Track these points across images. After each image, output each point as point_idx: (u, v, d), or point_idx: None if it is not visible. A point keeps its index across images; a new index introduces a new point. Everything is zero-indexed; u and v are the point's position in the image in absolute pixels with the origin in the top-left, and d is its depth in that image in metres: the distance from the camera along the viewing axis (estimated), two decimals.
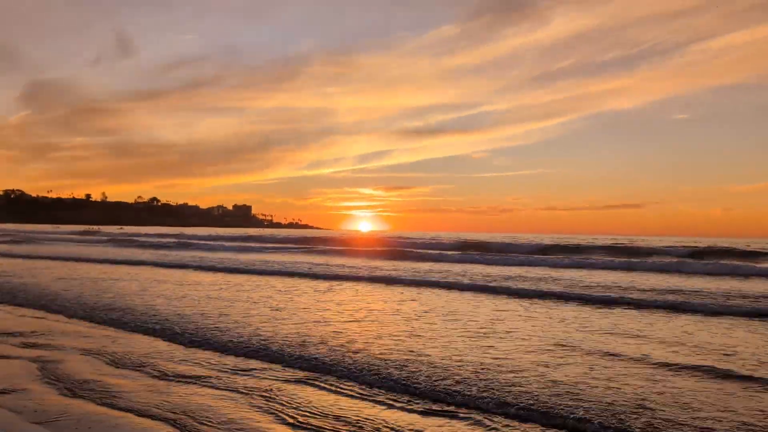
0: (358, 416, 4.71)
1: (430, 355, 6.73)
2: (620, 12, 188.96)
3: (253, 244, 42.79)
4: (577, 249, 35.46)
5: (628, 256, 30.56)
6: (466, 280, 16.16)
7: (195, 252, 33.00)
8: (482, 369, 6.12)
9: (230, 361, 6.56)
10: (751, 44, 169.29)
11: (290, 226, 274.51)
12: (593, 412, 4.77)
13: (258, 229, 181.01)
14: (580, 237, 74.48)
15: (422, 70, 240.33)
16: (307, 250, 35.85)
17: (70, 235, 60.37)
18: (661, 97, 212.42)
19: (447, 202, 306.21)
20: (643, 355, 6.93)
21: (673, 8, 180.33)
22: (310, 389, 5.47)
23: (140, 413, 4.70)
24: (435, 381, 5.64)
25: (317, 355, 6.68)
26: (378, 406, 4.99)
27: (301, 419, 4.64)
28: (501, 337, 7.97)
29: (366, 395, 5.31)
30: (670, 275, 19.53)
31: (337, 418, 4.68)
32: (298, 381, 5.73)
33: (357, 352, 6.83)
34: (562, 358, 6.73)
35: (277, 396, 5.23)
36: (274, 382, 5.70)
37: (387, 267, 21.59)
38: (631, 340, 7.91)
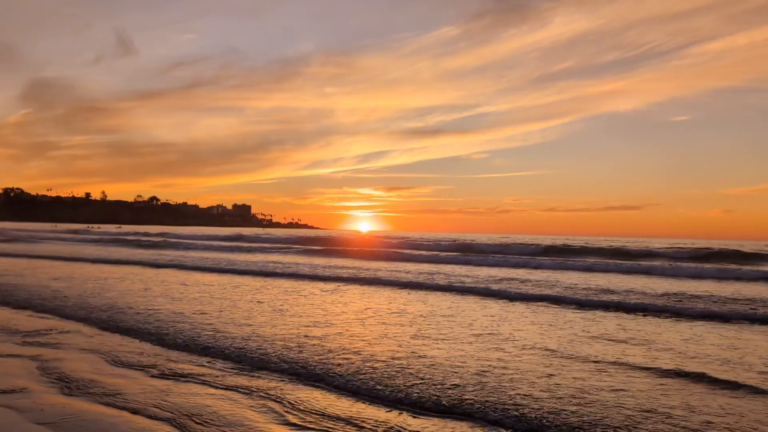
0: (358, 417, 4.70)
1: (432, 357, 6.72)
2: (620, 14, 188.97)
3: (245, 245, 42.52)
4: (576, 251, 35.42)
5: (627, 258, 30.56)
6: (461, 283, 16.14)
7: (194, 252, 32.97)
8: (484, 373, 6.10)
9: (230, 361, 6.53)
10: (751, 47, 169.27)
11: (289, 225, 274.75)
12: (595, 421, 4.76)
13: (254, 228, 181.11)
14: (579, 238, 74.43)
15: (422, 71, 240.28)
16: (300, 251, 35.74)
17: (59, 234, 59.74)
18: (660, 99, 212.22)
19: (447, 203, 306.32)
20: (650, 362, 6.91)
21: (673, 10, 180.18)
22: (309, 390, 5.46)
23: (140, 413, 4.69)
24: (435, 385, 5.62)
25: (317, 357, 6.66)
26: (377, 408, 4.98)
27: (300, 420, 4.62)
28: (503, 340, 7.97)
29: (366, 397, 5.30)
30: (667, 279, 19.51)
31: (337, 418, 4.67)
32: (297, 382, 5.71)
33: (358, 353, 6.82)
34: (564, 365, 6.72)
35: (276, 396, 5.22)
36: (273, 382, 5.68)
37: (386, 268, 21.58)
38: (636, 347, 7.90)
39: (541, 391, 5.39)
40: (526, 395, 5.24)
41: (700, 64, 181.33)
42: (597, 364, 6.51)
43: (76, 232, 67.76)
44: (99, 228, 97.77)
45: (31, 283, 13.90)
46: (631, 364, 6.53)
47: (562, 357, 6.88)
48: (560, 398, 5.17)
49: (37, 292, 12.14)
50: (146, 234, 62.45)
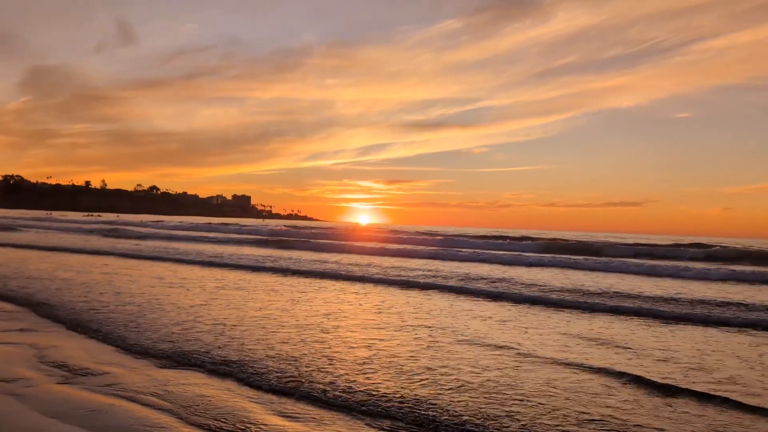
0: (355, 411, 4.79)
1: (421, 365, 6.79)
2: (623, 10, 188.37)
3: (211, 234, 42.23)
4: (582, 249, 35.16)
5: (630, 257, 30.57)
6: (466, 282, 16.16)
7: (200, 245, 32.98)
8: (485, 391, 6.17)
9: (227, 354, 6.60)
10: (754, 44, 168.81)
11: (289, 217, 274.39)
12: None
13: (255, 219, 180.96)
14: (578, 234, 74.59)
15: (424, 64, 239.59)
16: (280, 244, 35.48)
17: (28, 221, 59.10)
18: (662, 95, 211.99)
19: (447, 197, 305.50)
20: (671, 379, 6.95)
21: (675, 7, 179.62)
22: (306, 386, 5.54)
23: (138, 402, 4.77)
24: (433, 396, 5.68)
25: (311, 357, 6.75)
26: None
27: (298, 413, 4.71)
28: (497, 347, 8.04)
29: (360, 395, 5.38)
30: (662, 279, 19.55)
31: (331, 409, 4.75)
32: (294, 379, 5.78)
33: (361, 349, 6.91)
34: (566, 376, 6.79)
35: (273, 390, 5.30)
36: (269, 380, 5.76)
37: (386, 265, 21.59)
38: (651, 360, 7.96)
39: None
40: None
41: (702, 61, 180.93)
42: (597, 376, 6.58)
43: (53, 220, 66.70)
44: (99, 216, 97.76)
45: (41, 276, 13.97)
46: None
47: (564, 369, 6.96)
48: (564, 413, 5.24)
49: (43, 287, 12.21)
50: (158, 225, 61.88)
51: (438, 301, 11.41)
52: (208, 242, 32.62)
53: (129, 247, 25.44)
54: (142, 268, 16.30)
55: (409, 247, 30.38)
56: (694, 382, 5.80)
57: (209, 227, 52.84)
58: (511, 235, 51.09)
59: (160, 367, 5.86)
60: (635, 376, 5.89)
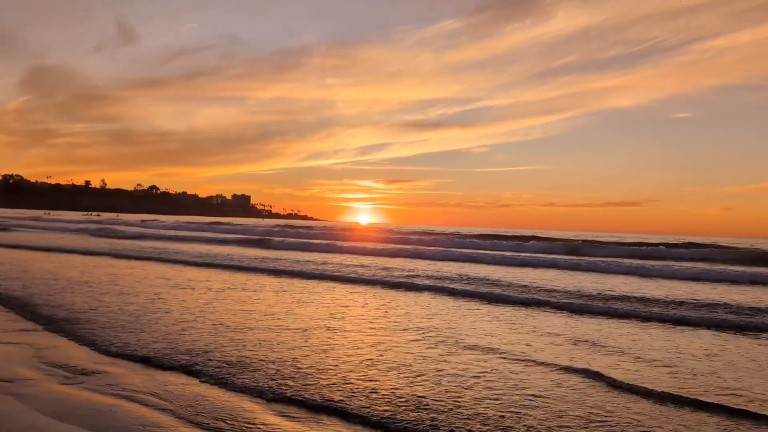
0: (350, 410, 4.77)
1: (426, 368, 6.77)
2: (623, 10, 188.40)
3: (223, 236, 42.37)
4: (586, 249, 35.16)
5: (645, 259, 30.53)
6: (463, 286, 16.15)
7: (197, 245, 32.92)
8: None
9: (229, 354, 6.59)
10: (754, 44, 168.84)
11: (289, 216, 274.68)
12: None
13: (255, 219, 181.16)
14: (578, 233, 74.77)
15: (424, 64, 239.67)
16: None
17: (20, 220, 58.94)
18: (662, 95, 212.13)
19: (447, 196, 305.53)
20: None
21: (675, 7, 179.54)
22: (303, 387, 5.53)
23: (138, 402, 4.76)
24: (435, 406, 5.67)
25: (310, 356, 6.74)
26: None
27: (296, 413, 4.70)
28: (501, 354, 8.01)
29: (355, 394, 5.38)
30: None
31: (332, 410, 4.74)
32: (295, 380, 5.77)
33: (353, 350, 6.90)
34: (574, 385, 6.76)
35: (273, 390, 5.29)
36: (266, 377, 5.75)
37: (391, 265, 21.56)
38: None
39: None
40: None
41: (702, 60, 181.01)
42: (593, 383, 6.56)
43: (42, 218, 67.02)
44: (98, 215, 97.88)
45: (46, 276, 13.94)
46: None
47: (572, 377, 6.94)
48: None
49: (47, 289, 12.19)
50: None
51: (442, 302, 11.40)
52: (203, 242, 32.55)
53: (128, 246, 25.42)
54: (136, 268, 16.29)
55: (410, 247, 30.36)
56: (698, 387, 5.80)
57: (202, 227, 52.85)
58: (511, 234, 51.08)
59: (160, 368, 5.85)
60: (639, 379, 5.88)
